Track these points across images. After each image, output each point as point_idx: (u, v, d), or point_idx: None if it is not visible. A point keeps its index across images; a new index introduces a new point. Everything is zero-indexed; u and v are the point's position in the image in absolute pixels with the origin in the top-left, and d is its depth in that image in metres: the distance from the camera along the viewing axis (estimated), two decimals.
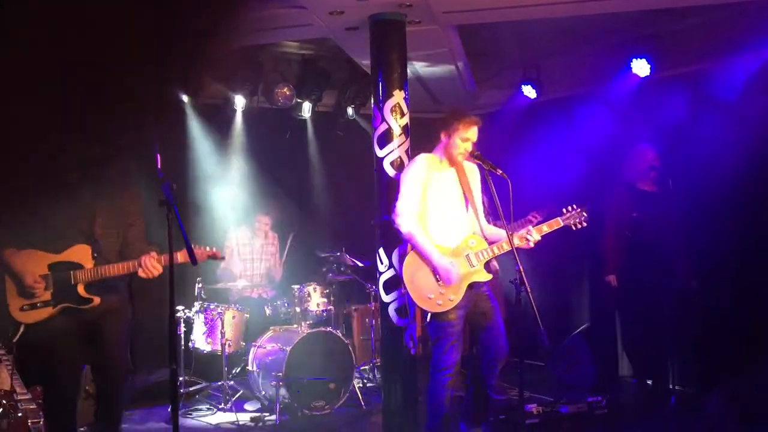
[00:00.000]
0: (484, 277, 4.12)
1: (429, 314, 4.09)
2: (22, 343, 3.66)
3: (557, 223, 4.17)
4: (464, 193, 4.23)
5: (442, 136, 4.22)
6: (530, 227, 4.14)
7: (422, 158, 4.25)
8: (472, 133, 4.13)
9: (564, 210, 4.21)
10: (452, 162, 4.21)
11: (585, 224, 4.19)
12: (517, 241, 4.01)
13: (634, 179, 5.68)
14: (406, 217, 4.09)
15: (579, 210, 4.19)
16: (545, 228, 4.14)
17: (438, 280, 4.04)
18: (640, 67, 5.96)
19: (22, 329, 3.64)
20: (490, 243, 4.16)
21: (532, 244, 4.07)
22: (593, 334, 6.28)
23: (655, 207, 5.55)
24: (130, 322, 4.01)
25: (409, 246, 4.17)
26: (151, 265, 3.66)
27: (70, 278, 3.66)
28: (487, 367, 4.17)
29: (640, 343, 5.70)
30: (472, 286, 4.11)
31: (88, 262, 3.70)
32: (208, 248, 3.94)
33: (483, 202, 4.44)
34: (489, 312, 4.15)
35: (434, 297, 4.03)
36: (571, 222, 4.17)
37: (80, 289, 3.68)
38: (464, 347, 4.29)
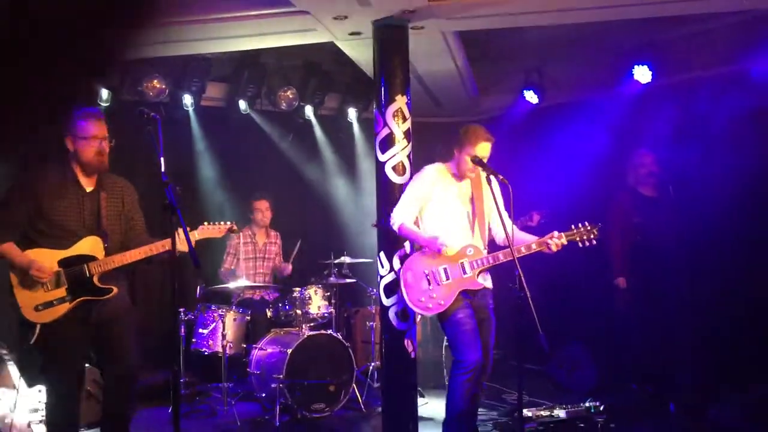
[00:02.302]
0: (476, 285, 4.15)
1: (438, 317, 4.17)
2: (36, 343, 3.57)
3: (561, 237, 4.03)
4: (473, 206, 4.27)
5: (455, 152, 4.25)
6: (554, 234, 4.03)
7: (430, 170, 4.32)
8: (482, 149, 4.15)
9: (572, 226, 4.08)
10: (463, 177, 4.27)
11: (594, 242, 4.05)
12: (534, 247, 4.04)
13: (635, 185, 5.73)
14: (398, 217, 4.25)
15: (590, 228, 4.06)
16: (546, 240, 4.05)
17: (429, 285, 4.11)
18: (642, 74, 5.98)
19: (38, 329, 3.54)
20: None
21: (554, 248, 4.03)
22: (593, 338, 6.30)
23: (656, 212, 5.58)
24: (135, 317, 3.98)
25: (407, 247, 4.24)
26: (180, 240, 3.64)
27: (84, 271, 3.61)
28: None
29: (640, 348, 5.73)
30: (472, 294, 4.16)
31: (101, 254, 3.67)
32: (222, 223, 3.98)
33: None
34: (485, 327, 4.20)
35: (425, 300, 4.13)
36: (578, 239, 4.05)
37: (95, 281, 3.64)
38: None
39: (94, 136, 3.63)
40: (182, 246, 3.35)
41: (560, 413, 4.94)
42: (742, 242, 5.50)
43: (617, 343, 5.97)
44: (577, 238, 4.06)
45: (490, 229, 4.37)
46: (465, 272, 4.12)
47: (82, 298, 3.62)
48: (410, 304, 4.21)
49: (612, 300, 5.87)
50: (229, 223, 4.02)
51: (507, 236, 3.94)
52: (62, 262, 3.61)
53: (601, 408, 4.97)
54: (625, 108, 6.26)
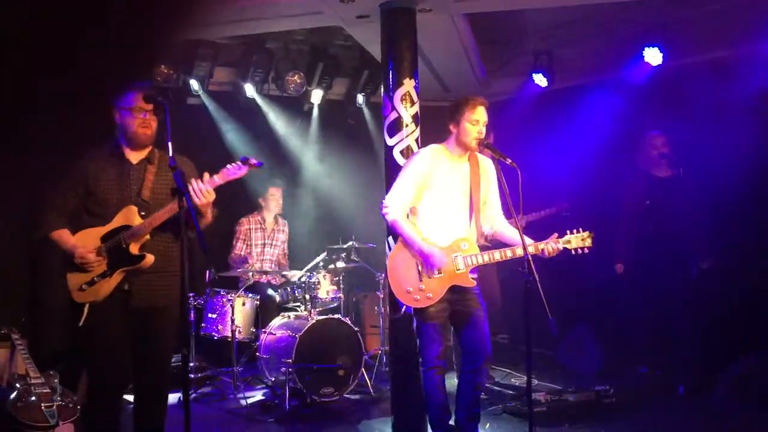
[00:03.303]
0: (468, 282, 3.97)
1: (411, 309, 4.02)
2: (85, 323, 3.46)
3: (558, 242, 3.88)
4: (471, 192, 4.08)
5: (451, 128, 4.07)
6: (551, 242, 3.86)
7: (428, 151, 4.11)
8: (480, 113, 3.97)
9: (568, 232, 3.90)
10: (467, 149, 4.06)
11: (587, 251, 3.88)
12: (531, 250, 3.81)
13: (648, 167, 5.71)
14: (394, 207, 4.01)
15: (584, 235, 3.89)
16: (541, 246, 3.88)
17: (420, 277, 3.93)
18: (653, 56, 5.92)
19: (86, 310, 3.45)
20: (502, 244, 4.06)
21: (553, 251, 3.86)
22: (602, 322, 6.29)
23: (668, 193, 5.56)
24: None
25: (397, 239, 4.08)
26: (204, 189, 3.42)
27: (121, 242, 3.47)
28: (467, 370, 4.02)
29: (649, 331, 5.72)
30: (456, 289, 3.99)
31: (136, 221, 3.48)
32: (239, 162, 3.48)
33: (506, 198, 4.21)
34: (475, 312, 4.00)
35: (413, 291, 3.94)
36: (571, 247, 3.88)
37: (132, 249, 3.47)
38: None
39: (138, 108, 3.48)
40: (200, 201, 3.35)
41: (569, 397, 4.94)
42: (755, 223, 5.47)
43: (626, 327, 5.96)
44: (570, 246, 3.89)
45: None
46: (458, 268, 3.95)
47: (120, 269, 3.48)
48: (396, 295, 4.01)
49: (620, 284, 5.86)
50: (249, 158, 3.51)
51: (519, 232, 3.76)
52: (103, 238, 3.50)
53: (611, 391, 4.97)
54: (635, 90, 6.21)
